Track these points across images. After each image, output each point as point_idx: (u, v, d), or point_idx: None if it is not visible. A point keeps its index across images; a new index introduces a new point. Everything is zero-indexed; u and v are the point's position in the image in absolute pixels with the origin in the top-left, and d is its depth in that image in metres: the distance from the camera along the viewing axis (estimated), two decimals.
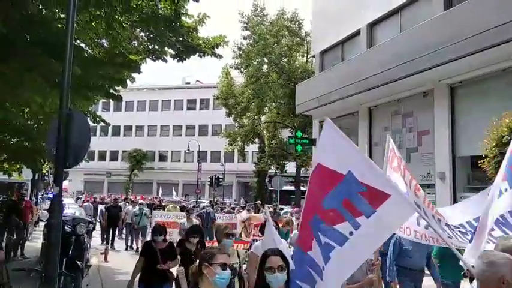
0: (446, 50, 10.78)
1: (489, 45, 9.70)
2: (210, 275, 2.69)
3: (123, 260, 12.68)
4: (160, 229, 6.19)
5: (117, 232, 16.36)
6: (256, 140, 34.13)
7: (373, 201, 2.71)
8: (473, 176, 11.71)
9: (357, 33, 16.46)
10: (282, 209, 22.26)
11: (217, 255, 2.76)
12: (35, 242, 14.06)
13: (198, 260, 2.85)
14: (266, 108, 31.16)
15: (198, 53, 9.73)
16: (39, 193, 25.52)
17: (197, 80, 58.26)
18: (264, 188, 36.66)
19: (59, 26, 7.91)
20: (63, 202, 6.68)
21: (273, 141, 33.12)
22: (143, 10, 8.37)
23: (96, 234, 15.89)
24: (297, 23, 30.47)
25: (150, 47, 10.03)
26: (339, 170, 2.88)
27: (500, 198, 3.78)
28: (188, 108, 54.77)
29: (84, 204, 20.07)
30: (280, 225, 9.23)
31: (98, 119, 12.27)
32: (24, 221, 12.90)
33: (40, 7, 7.97)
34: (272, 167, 34.49)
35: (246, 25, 30.08)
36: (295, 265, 3.07)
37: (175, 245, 6.36)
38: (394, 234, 5.10)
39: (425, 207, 4.19)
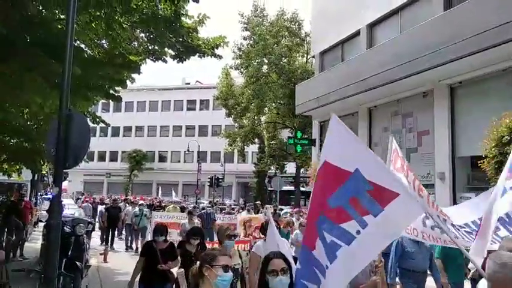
0: (446, 50, 10.78)
1: (489, 46, 9.71)
2: (211, 277, 2.63)
3: (123, 260, 12.67)
4: (161, 229, 6.15)
5: (116, 233, 16.36)
6: (256, 140, 34.13)
7: (380, 200, 2.66)
8: (473, 176, 11.71)
9: (357, 33, 16.46)
10: (282, 209, 22.25)
11: (218, 256, 2.71)
12: (34, 242, 14.04)
13: (198, 262, 2.79)
14: (266, 108, 31.17)
15: (198, 54, 9.74)
16: (39, 194, 25.50)
17: (197, 81, 58.29)
18: (264, 189, 36.65)
19: (59, 26, 7.92)
20: (62, 203, 6.67)
21: (272, 142, 33.12)
22: (143, 11, 8.37)
23: (96, 235, 15.88)
24: (297, 23, 30.48)
25: (150, 47, 10.04)
26: (346, 168, 2.83)
27: (504, 196, 3.77)
28: (188, 109, 54.78)
29: (83, 204, 20.06)
30: (281, 226, 9.23)
31: (97, 119, 12.27)
32: (24, 221, 12.89)
33: (40, 8, 7.97)
34: (272, 168, 34.49)
35: (245, 26, 30.09)
36: (301, 264, 3.04)
37: (173, 242, 6.34)
38: None
39: (429, 207, 4.17)
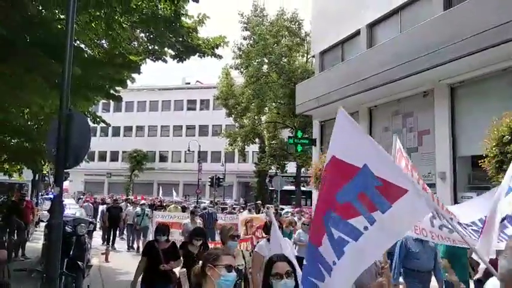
0: (446, 50, 10.78)
1: (489, 45, 9.70)
2: (214, 277, 2.57)
3: (124, 260, 12.70)
4: (163, 229, 6.13)
5: (118, 232, 16.38)
6: (257, 140, 34.14)
7: (389, 196, 2.62)
8: (473, 175, 11.71)
9: (357, 33, 16.46)
10: (283, 209, 22.26)
11: (221, 256, 2.64)
12: (35, 242, 14.06)
13: (201, 261, 2.74)
14: (266, 108, 31.18)
15: (198, 54, 9.75)
16: (40, 194, 25.52)
17: (197, 81, 58.30)
18: (265, 188, 36.67)
19: (59, 26, 7.92)
20: (63, 202, 6.69)
21: (273, 142, 33.14)
22: (143, 11, 8.38)
23: (97, 235, 15.91)
24: (297, 23, 30.49)
25: (150, 47, 10.05)
26: (354, 163, 2.79)
27: (509, 195, 3.75)
28: (188, 109, 54.79)
29: (84, 204, 20.06)
30: (283, 225, 9.21)
31: (98, 119, 12.28)
32: (26, 221, 12.91)
33: (40, 8, 7.98)
34: (272, 167, 34.50)
35: (245, 25, 30.10)
36: (308, 261, 3.01)
37: (174, 241, 6.32)
38: None
39: (437, 205, 4.12)
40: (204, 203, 28.65)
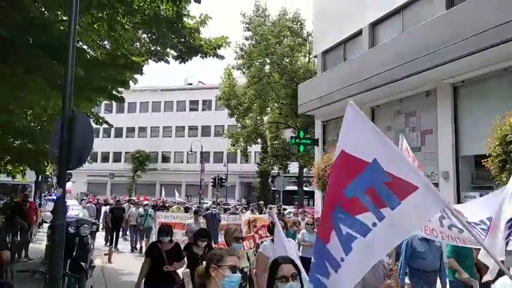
0: (448, 49, 10.75)
1: (490, 45, 9.68)
2: (218, 278, 2.51)
3: (127, 261, 12.72)
4: (166, 229, 6.07)
5: (121, 233, 16.41)
6: (259, 140, 34.14)
7: (399, 193, 2.56)
8: (477, 175, 11.68)
9: (359, 33, 16.43)
10: (285, 209, 22.25)
11: (226, 257, 2.59)
12: (39, 243, 14.09)
13: (205, 262, 2.69)
14: (268, 108, 31.17)
15: (200, 54, 9.75)
16: (43, 195, 25.60)
17: (199, 81, 58.33)
18: (267, 189, 36.67)
19: (61, 28, 7.95)
20: (66, 204, 6.70)
21: (275, 142, 33.13)
22: (145, 12, 8.39)
23: (100, 236, 15.94)
24: (299, 23, 30.47)
25: (152, 48, 10.06)
26: (363, 158, 2.73)
27: None
28: (190, 109, 54.83)
29: (87, 205, 20.11)
30: (288, 224, 9.18)
31: (100, 120, 12.30)
32: (29, 222, 12.93)
33: (42, 9, 8.00)
34: (275, 167, 34.49)
35: (247, 26, 30.10)
36: (315, 258, 2.98)
37: (177, 242, 6.27)
38: None
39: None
40: (207, 203, 28.68)
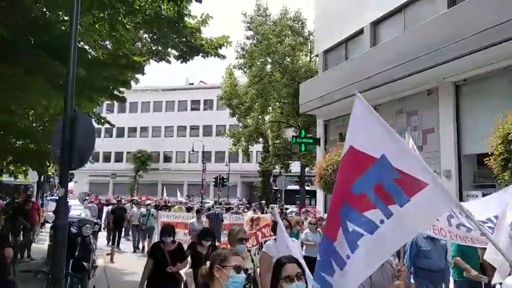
0: (450, 48, 10.73)
1: (491, 44, 9.67)
2: (222, 279, 2.46)
3: (129, 260, 12.74)
4: (169, 230, 6.02)
5: (123, 233, 16.43)
6: (261, 139, 34.13)
7: (408, 190, 2.50)
8: (479, 173, 11.66)
9: (360, 32, 16.42)
10: (287, 208, 22.25)
11: (230, 257, 2.54)
12: (41, 243, 14.12)
13: (208, 262, 2.65)
14: (270, 108, 31.16)
15: (201, 54, 9.75)
16: (45, 195, 25.64)
17: (201, 81, 58.37)
18: (269, 188, 36.68)
19: (63, 28, 7.95)
20: (68, 203, 6.71)
21: (277, 141, 33.11)
22: (146, 12, 8.39)
23: (102, 236, 15.96)
24: (300, 22, 30.45)
25: (154, 48, 10.07)
26: (371, 153, 2.66)
27: None
28: (192, 109, 54.86)
29: (88, 205, 20.13)
30: (292, 224, 9.14)
31: (102, 120, 12.33)
32: (31, 222, 12.95)
33: (44, 10, 8.01)
34: (276, 167, 34.49)
35: (249, 25, 30.08)
36: (321, 256, 2.93)
37: (180, 242, 6.24)
38: None
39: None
40: (208, 203, 28.71)
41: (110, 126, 13.85)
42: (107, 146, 52.31)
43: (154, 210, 15.24)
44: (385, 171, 2.59)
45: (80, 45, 7.85)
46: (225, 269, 2.48)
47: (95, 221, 13.22)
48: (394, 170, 2.56)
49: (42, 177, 23.27)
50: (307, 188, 30.84)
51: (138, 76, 10.85)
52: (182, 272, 5.77)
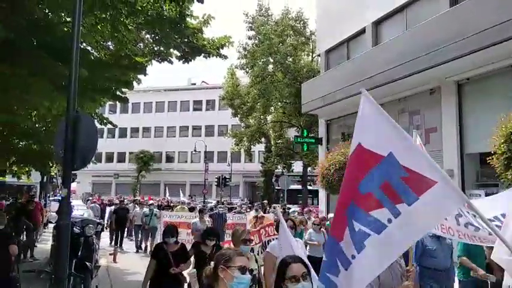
0: (453, 47, 10.72)
1: (492, 43, 9.66)
2: (227, 279, 2.41)
3: (132, 260, 12.77)
4: (171, 230, 5.97)
5: (125, 233, 16.45)
6: (263, 139, 34.11)
7: (416, 188, 2.44)
8: (481, 172, 11.63)
9: (362, 31, 16.40)
10: (289, 208, 22.23)
11: (235, 257, 2.49)
12: (44, 243, 14.17)
13: (212, 262, 2.60)
14: (272, 107, 31.14)
15: (203, 54, 9.75)
16: (48, 195, 25.72)
17: (203, 81, 58.42)
18: (271, 188, 36.64)
19: (65, 29, 7.98)
20: (71, 204, 6.73)
21: (279, 141, 33.10)
22: (148, 12, 8.40)
23: (105, 235, 16.00)
24: (302, 22, 30.42)
25: (156, 48, 10.08)
26: (378, 151, 2.61)
27: None
28: (194, 109, 54.91)
29: (91, 205, 20.19)
30: (297, 224, 9.12)
31: (105, 121, 12.35)
32: (35, 222, 12.98)
33: (46, 11, 8.04)
34: (279, 167, 34.45)
35: (250, 25, 30.08)
36: (326, 256, 2.89)
37: (183, 243, 6.21)
38: None
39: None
40: (211, 203, 28.72)
41: (112, 127, 13.88)
42: (110, 147, 52.42)
43: (158, 210, 15.25)
44: (392, 169, 2.55)
45: (82, 46, 7.90)
46: (229, 270, 2.43)
47: (98, 221, 13.27)
48: (402, 168, 2.51)
49: (45, 177, 23.36)
50: (309, 187, 30.80)
51: (140, 77, 10.87)
52: (185, 272, 5.77)
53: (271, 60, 28.87)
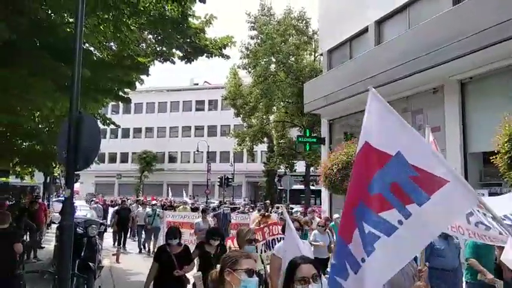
0: (456, 46, 10.67)
1: (498, 41, 9.62)
2: (233, 283, 2.35)
3: (135, 261, 12.79)
4: (174, 232, 5.90)
5: (129, 234, 16.47)
6: (265, 139, 34.12)
7: (427, 188, 2.36)
8: (485, 172, 11.58)
9: (365, 30, 16.36)
10: (292, 208, 22.24)
11: (241, 259, 2.42)
12: (47, 244, 14.21)
13: (218, 265, 2.54)
14: (274, 107, 31.13)
15: (205, 54, 9.77)
16: (51, 196, 25.79)
17: (205, 81, 58.50)
18: (274, 188, 36.67)
19: (68, 30, 7.99)
20: (74, 204, 6.75)
21: (281, 141, 33.09)
22: (150, 12, 8.42)
23: (108, 236, 16.03)
24: (304, 21, 30.38)
25: (158, 49, 10.10)
26: (386, 150, 2.53)
27: None
28: (197, 109, 54.97)
29: (93, 205, 20.24)
30: (302, 225, 9.07)
31: (107, 121, 12.37)
32: (38, 223, 13.00)
33: (49, 12, 8.06)
34: (281, 167, 34.45)
35: (253, 25, 30.06)
36: (335, 259, 2.82)
37: (187, 245, 6.17)
38: None
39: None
40: (213, 203, 28.74)
41: (115, 127, 13.91)
42: (113, 147, 52.55)
43: (161, 210, 15.26)
44: (401, 168, 2.48)
45: (85, 47, 7.90)
46: (236, 273, 2.37)
47: (101, 221, 13.29)
48: (410, 167, 2.44)
49: (48, 178, 23.39)
50: (312, 187, 30.79)
51: (142, 77, 10.89)
52: (189, 274, 5.74)
53: (274, 60, 28.85)
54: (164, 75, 59.52)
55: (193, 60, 9.88)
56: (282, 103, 30.22)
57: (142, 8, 8.20)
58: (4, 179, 22.32)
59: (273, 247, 6.85)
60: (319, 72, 24.86)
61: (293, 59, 28.76)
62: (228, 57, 10.18)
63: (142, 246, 15.19)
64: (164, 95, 55.74)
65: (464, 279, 6.03)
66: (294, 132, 32.26)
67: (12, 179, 21.85)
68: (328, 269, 8.06)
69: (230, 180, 36.33)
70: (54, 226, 15.61)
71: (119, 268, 11.61)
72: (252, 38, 30.04)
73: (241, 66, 30.66)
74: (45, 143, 13.02)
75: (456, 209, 2.45)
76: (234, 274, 2.37)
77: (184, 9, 8.71)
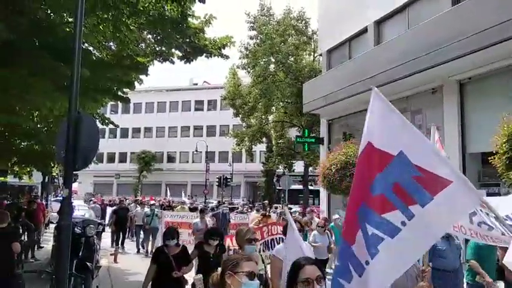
0: (455, 46, 10.69)
1: (497, 41, 9.63)
2: (234, 285, 2.33)
3: (133, 261, 12.77)
4: (172, 233, 5.86)
5: (127, 234, 16.45)
6: (264, 139, 34.12)
7: (430, 188, 2.35)
8: (483, 172, 11.59)
9: (364, 31, 16.37)
10: (291, 208, 22.23)
11: (242, 262, 2.40)
12: (45, 244, 14.19)
13: (219, 268, 2.51)
14: (273, 107, 31.13)
15: (205, 54, 9.76)
16: (49, 196, 25.76)
17: (204, 81, 58.49)
18: (272, 188, 36.66)
19: (67, 30, 7.98)
20: (73, 204, 6.73)
21: (280, 141, 33.09)
22: (150, 12, 8.41)
23: (106, 236, 16.00)
24: (304, 21, 30.38)
25: (157, 48, 10.10)
26: (388, 151, 2.51)
27: None
28: (196, 109, 54.97)
29: (92, 205, 20.22)
30: (304, 226, 9.05)
31: (106, 121, 12.36)
32: (36, 222, 12.98)
33: (48, 12, 8.05)
34: (280, 167, 34.45)
35: (252, 25, 30.05)
36: (339, 261, 2.80)
37: (185, 246, 6.14)
38: None
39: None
40: (212, 203, 28.73)
41: (114, 127, 13.89)
42: (111, 147, 52.50)
43: (159, 210, 15.23)
44: (403, 169, 2.46)
45: (84, 47, 7.89)
46: (237, 276, 2.35)
47: (99, 221, 13.27)
48: (414, 167, 2.42)
49: (47, 178, 23.38)
50: (310, 187, 30.79)
51: (142, 77, 10.88)
52: (188, 275, 5.72)
53: (273, 60, 28.84)
54: (163, 75, 59.61)
55: (192, 60, 9.88)
56: (281, 103, 30.22)
57: (141, 8, 8.19)
58: (2, 178, 22.29)
59: (271, 247, 6.83)
60: (318, 72, 24.86)
61: (292, 59, 28.76)
62: (227, 57, 10.18)
63: (140, 246, 15.15)
64: (163, 95, 55.72)
65: (465, 280, 6.02)
66: (292, 132, 32.26)
67: (10, 179, 21.81)
68: (327, 270, 8.07)
69: (229, 180, 36.33)
70: (52, 226, 15.58)
71: (117, 268, 11.59)
72: (251, 38, 30.03)
73: (240, 66, 30.66)
74: (44, 142, 13.00)
75: (459, 210, 2.43)
76: (235, 277, 2.35)
77: (183, 9, 8.71)
